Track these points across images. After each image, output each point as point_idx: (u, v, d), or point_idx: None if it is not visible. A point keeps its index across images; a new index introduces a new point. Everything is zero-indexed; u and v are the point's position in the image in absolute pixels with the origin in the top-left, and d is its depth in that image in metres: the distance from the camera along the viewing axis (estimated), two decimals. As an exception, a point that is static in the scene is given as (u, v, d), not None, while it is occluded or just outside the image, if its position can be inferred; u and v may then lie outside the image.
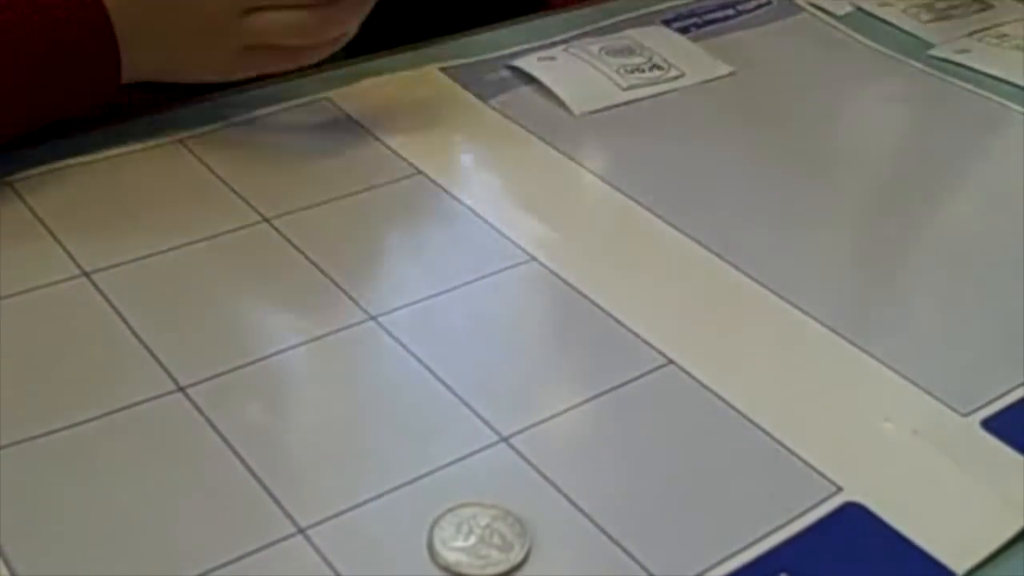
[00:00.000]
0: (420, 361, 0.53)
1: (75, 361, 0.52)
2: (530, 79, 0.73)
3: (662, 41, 0.78)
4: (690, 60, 0.76)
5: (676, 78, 0.75)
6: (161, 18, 0.62)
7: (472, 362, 0.53)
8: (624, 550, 0.45)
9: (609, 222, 0.63)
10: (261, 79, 0.70)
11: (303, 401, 0.51)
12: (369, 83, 0.72)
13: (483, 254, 0.59)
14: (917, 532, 0.46)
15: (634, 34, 0.79)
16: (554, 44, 0.77)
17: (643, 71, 0.73)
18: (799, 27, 0.82)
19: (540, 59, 0.75)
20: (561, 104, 0.71)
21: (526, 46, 0.77)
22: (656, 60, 0.76)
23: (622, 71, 0.74)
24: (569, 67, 0.75)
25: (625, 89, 0.73)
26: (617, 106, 0.72)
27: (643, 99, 0.73)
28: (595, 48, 0.77)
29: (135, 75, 0.63)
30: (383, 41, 0.78)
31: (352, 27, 0.65)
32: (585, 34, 0.79)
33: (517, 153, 0.68)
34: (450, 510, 0.45)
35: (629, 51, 0.77)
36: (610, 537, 0.45)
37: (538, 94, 0.73)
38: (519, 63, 0.75)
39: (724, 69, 0.76)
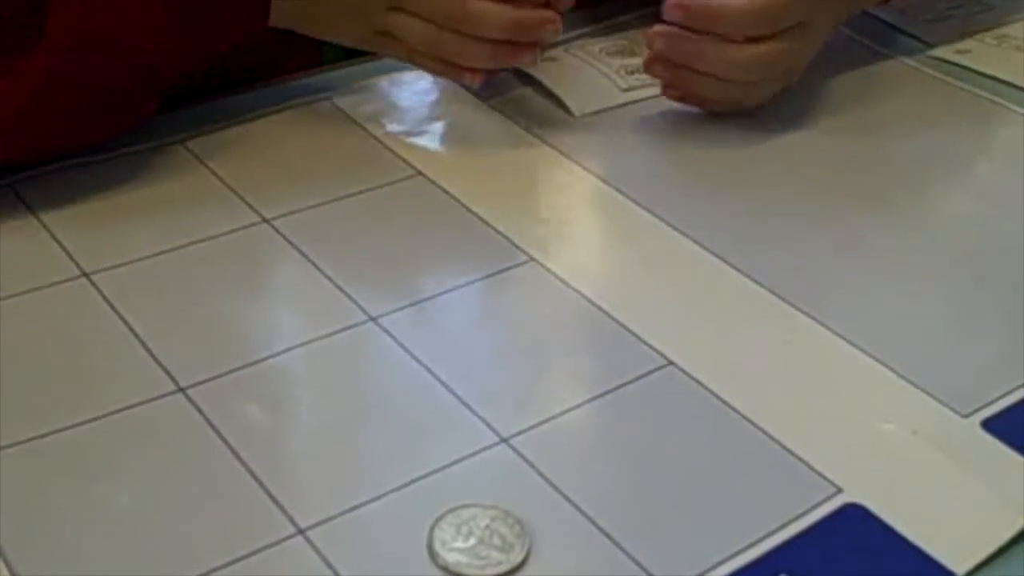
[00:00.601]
0: (420, 362, 0.53)
1: (75, 361, 0.52)
2: (530, 79, 0.73)
3: None
4: None
5: None
6: None
7: (472, 363, 0.53)
8: (624, 550, 0.45)
9: (608, 223, 0.63)
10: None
11: (303, 402, 0.51)
12: (369, 84, 0.72)
13: (483, 255, 0.59)
14: (917, 532, 0.46)
15: (634, 35, 0.79)
16: (554, 45, 0.77)
17: (642, 72, 0.73)
18: (799, 27, 0.82)
19: (540, 60, 0.75)
20: (561, 105, 0.71)
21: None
22: None
23: (622, 72, 0.74)
24: (569, 68, 0.75)
25: (624, 90, 0.73)
26: (617, 107, 0.72)
27: (642, 100, 0.73)
28: (595, 49, 0.77)
29: (282, 18, 0.65)
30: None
31: (474, 61, 0.67)
32: (585, 35, 0.79)
33: (517, 153, 0.68)
34: (450, 511, 0.45)
35: (629, 52, 0.77)
36: (610, 538, 0.45)
37: (538, 94, 0.73)
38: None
39: None
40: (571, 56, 0.76)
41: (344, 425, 0.50)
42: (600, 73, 0.74)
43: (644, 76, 0.73)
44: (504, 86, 0.73)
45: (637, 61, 0.75)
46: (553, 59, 0.75)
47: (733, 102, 0.69)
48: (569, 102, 0.71)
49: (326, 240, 0.60)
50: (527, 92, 0.73)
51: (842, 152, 0.69)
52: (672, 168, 0.67)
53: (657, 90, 0.73)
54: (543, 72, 0.73)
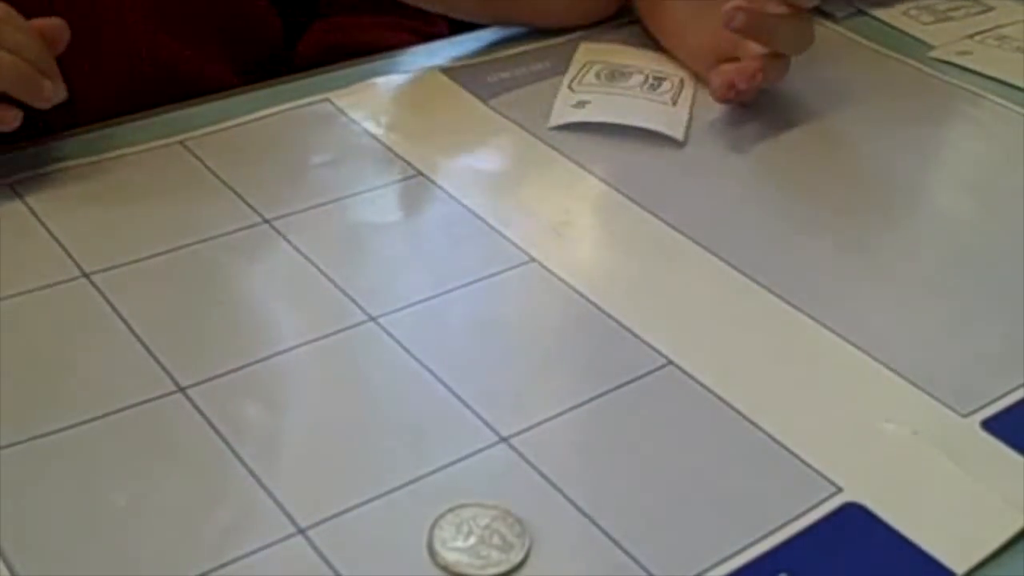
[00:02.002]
0: (420, 362, 0.53)
1: (75, 361, 0.52)
2: (529, 81, 0.73)
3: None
4: None
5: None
6: None
7: (472, 363, 0.53)
8: (624, 550, 0.45)
9: (609, 223, 0.63)
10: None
11: (303, 401, 0.51)
12: (369, 84, 0.72)
13: (483, 255, 0.59)
14: (917, 532, 0.46)
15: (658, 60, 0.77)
16: (554, 46, 0.77)
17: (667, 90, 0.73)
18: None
19: (574, 106, 0.71)
20: (665, 137, 0.71)
21: (526, 48, 0.77)
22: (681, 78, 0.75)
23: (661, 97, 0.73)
24: (620, 102, 0.72)
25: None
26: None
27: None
28: (631, 83, 0.74)
29: None
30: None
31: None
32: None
33: (517, 154, 0.68)
34: (450, 510, 0.45)
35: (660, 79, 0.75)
36: (610, 537, 0.45)
37: (538, 96, 0.72)
38: (565, 120, 0.70)
39: None
40: (607, 97, 0.73)
41: (344, 425, 0.50)
42: (651, 102, 0.72)
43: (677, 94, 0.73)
44: (504, 87, 0.73)
45: (666, 86, 0.74)
46: (587, 102, 0.72)
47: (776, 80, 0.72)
48: (672, 132, 0.69)
49: (326, 240, 0.60)
50: (527, 93, 0.73)
51: (843, 152, 0.69)
52: (672, 168, 0.67)
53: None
54: (615, 115, 0.70)
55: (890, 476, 0.49)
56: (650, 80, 0.74)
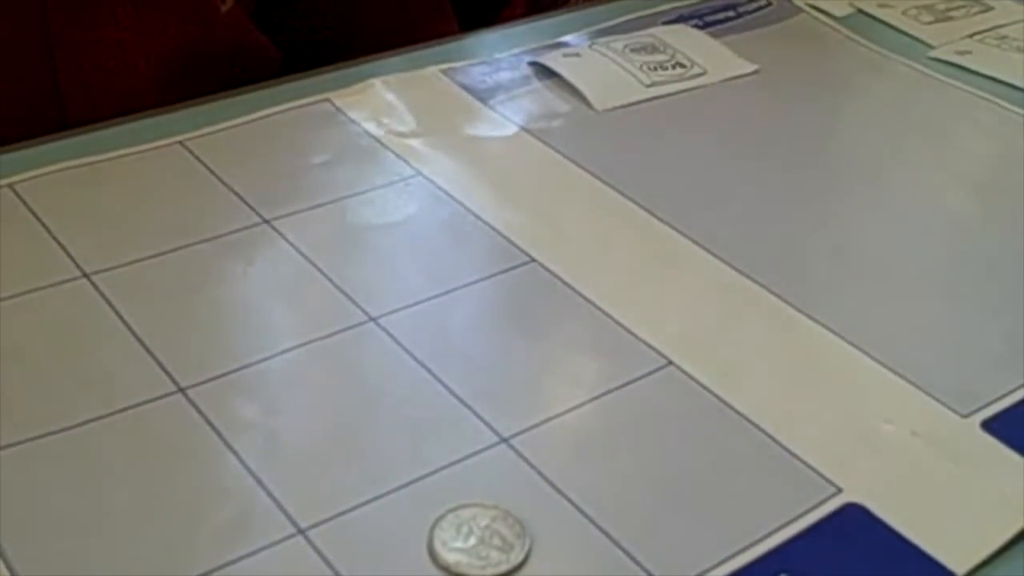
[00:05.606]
0: (420, 362, 0.53)
1: (75, 362, 0.52)
2: (529, 81, 0.73)
3: (686, 39, 0.78)
4: (713, 58, 0.76)
5: (698, 76, 0.75)
6: None
7: (472, 363, 0.53)
8: (624, 550, 0.45)
9: (609, 224, 0.63)
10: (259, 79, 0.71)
11: (303, 402, 0.51)
12: (369, 84, 0.72)
13: (483, 256, 0.59)
14: (917, 533, 0.46)
15: (657, 32, 0.79)
16: (554, 47, 0.77)
17: (666, 68, 0.73)
18: (799, 29, 0.82)
19: (565, 55, 0.75)
20: (583, 99, 0.71)
21: (527, 48, 0.77)
22: (679, 58, 0.76)
23: (645, 68, 0.74)
24: (592, 63, 0.74)
25: (648, 86, 0.73)
26: (639, 103, 0.72)
27: (666, 96, 0.72)
28: (619, 46, 0.76)
29: None
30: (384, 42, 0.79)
31: None
32: (608, 31, 0.78)
33: (517, 153, 0.68)
34: (450, 511, 0.45)
35: (652, 48, 0.76)
36: (610, 537, 0.45)
37: (538, 96, 0.73)
38: (543, 59, 0.74)
39: (749, 67, 0.76)
40: (595, 52, 0.76)
41: (344, 425, 0.50)
42: (624, 69, 0.74)
43: (667, 73, 0.73)
44: (505, 88, 0.73)
45: (660, 58, 0.75)
46: (577, 55, 0.75)
47: None
48: (592, 98, 0.71)
49: (326, 240, 0.60)
50: (528, 94, 0.73)
51: (842, 154, 0.69)
52: (673, 169, 0.67)
53: (680, 86, 0.73)
54: (565, 67, 0.73)
55: (890, 477, 0.49)
56: (665, 60, 0.74)
